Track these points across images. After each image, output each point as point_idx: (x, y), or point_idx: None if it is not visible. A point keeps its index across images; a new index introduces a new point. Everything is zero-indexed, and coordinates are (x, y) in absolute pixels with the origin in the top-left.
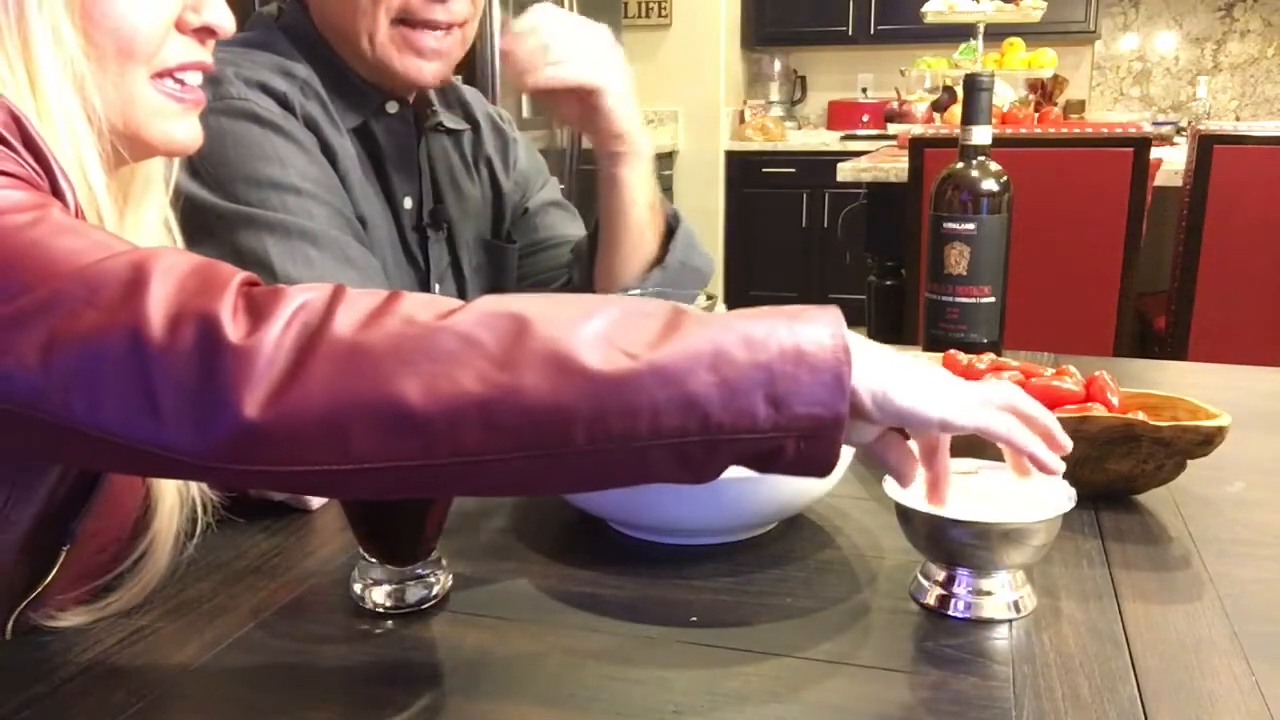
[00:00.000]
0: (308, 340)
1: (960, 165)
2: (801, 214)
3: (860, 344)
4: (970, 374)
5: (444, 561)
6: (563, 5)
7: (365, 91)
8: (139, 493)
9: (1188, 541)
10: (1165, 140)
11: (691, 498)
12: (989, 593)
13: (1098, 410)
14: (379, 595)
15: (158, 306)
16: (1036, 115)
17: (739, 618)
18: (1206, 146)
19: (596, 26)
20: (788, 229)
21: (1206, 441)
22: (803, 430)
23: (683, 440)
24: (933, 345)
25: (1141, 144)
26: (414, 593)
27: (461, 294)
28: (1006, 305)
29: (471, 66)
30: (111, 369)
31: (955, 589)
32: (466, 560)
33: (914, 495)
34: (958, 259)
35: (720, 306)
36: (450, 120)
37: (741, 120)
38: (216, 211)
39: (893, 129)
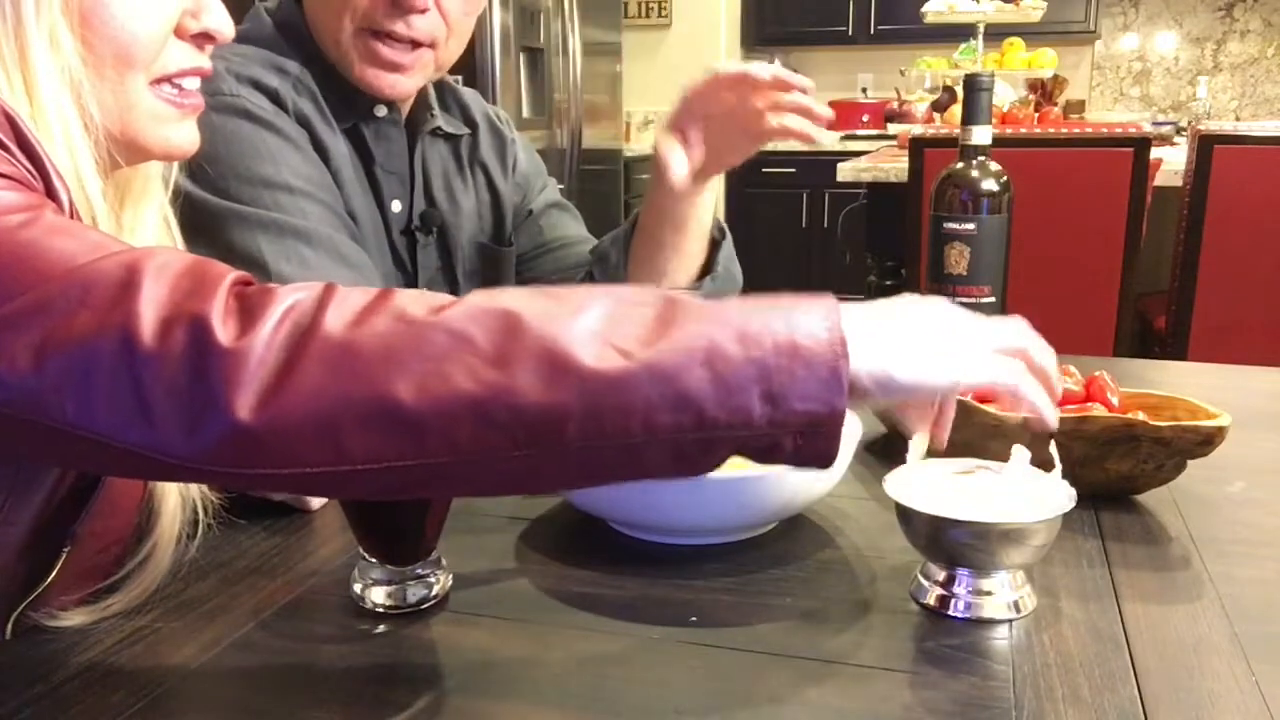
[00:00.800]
0: (298, 341)
1: (960, 165)
2: (801, 214)
3: (858, 325)
4: None
5: (444, 561)
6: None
7: (354, 93)
8: (140, 494)
9: (1188, 541)
10: (1165, 140)
11: (692, 498)
12: (989, 593)
13: (1098, 410)
14: (379, 595)
15: (149, 308)
16: (1036, 115)
17: (739, 618)
18: (1206, 146)
19: None
20: (788, 229)
21: (1206, 441)
22: (799, 426)
23: (677, 437)
24: None
25: (1141, 144)
26: (414, 593)
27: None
28: (1006, 305)
29: (471, 67)
30: (103, 371)
31: (955, 589)
32: (466, 560)
33: (914, 495)
34: (958, 259)
35: None
36: (448, 124)
37: None
38: (209, 209)
39: (893, 129)
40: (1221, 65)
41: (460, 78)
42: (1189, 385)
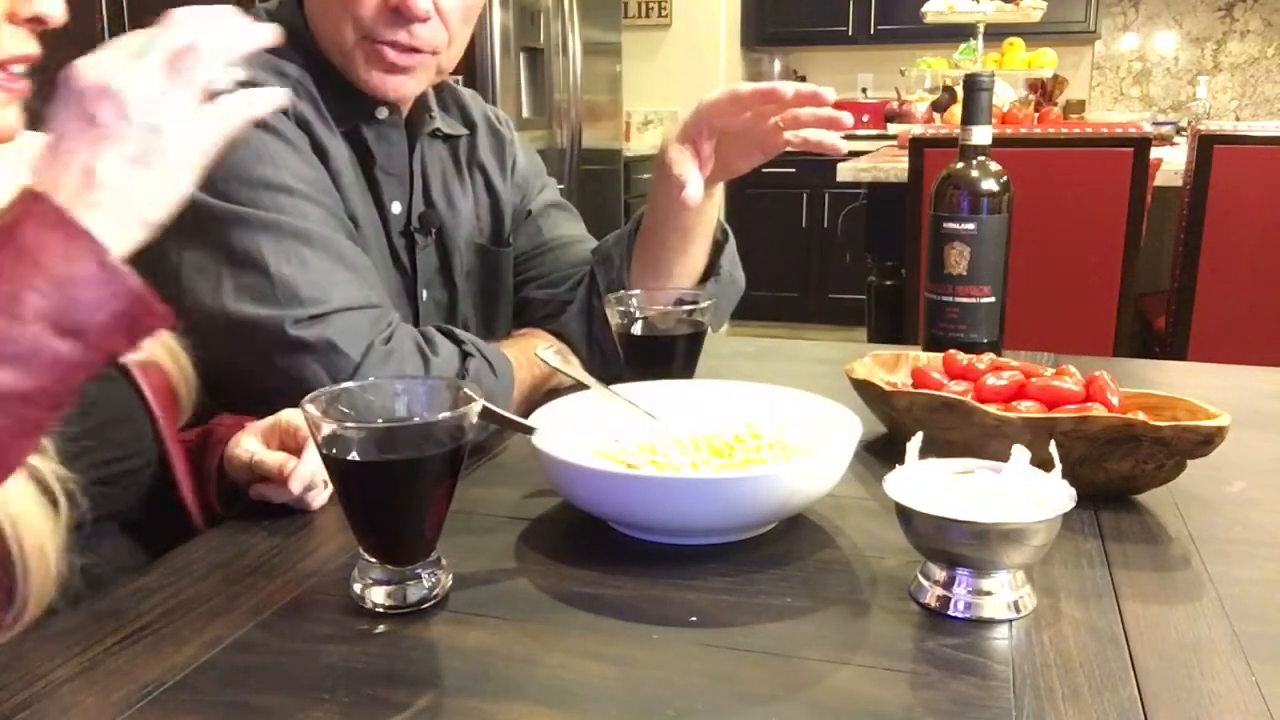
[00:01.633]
0: None
1: (960, 165)
2: (801, 214)
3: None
4: (969, 374)
5: (444, 561)
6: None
7: (355, 95)
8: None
9: (1188, 541)
10: (1165, 140)
11: (692, 498)
12: (989, 593)
13: (1098, 410)
14: (379, 595)
15: None
16: (1036, 115)
17: (739, 618)
18: (1206, 146)
19: None
20: (788, 229)
21: (1206, 441)
22: (119, 329)
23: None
24: (933, 345)
25: (1141, 144)
26: (414, 593)
27: (453, 298)
28: (1006, 305)
29: (471, 67)
30: None
31: (955, 589)
32: (466, 560)
33: (914, 495)
34: (958, 259)
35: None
36: (447, 125)
37: None
38: (209, 210)
39: (893, 129)
40: (1221, 65)
41: (460, 78)
42: (1189, 385)
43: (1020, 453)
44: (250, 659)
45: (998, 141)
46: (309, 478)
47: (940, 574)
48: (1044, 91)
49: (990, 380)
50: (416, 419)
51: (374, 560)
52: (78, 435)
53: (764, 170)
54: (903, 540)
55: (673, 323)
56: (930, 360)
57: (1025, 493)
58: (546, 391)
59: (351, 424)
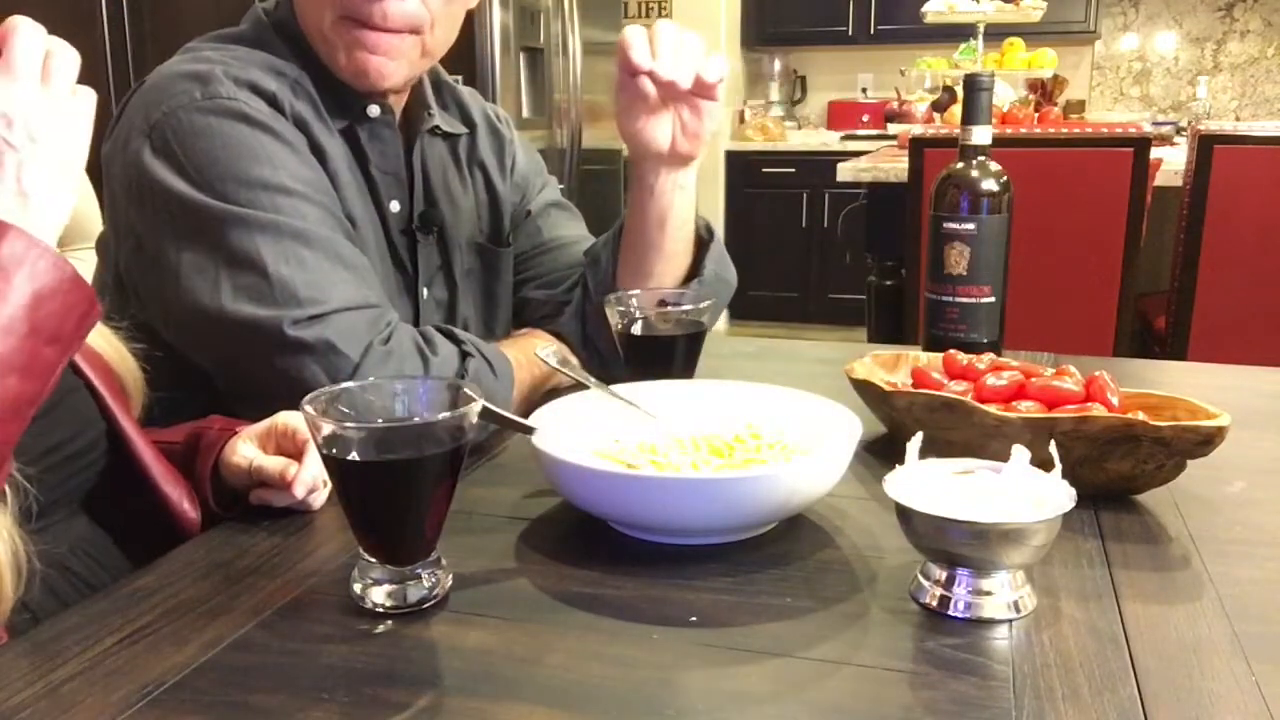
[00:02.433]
0: None
1: (960, 165)
2: (801, 214)
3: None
4: (969, 374)
5: (444, 561)
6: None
7: (349, 94)
8: None
9: (1188, 541)
10: (1165, 140)
11: (692, 498)
12: (989, 593)
13: (1098, 410)
14: (379, 595)
15: None
16: (1036, 115)
17: (739, 618)
18: (1206, 146)
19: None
20: (788, 229)
21: (1206, 441)
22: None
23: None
24: (933, 345)
25: (1141, 144)
26: (414, 593)
27: (453, 297)
28: (1006, 305)
29: (471, 67)
30: None
31: (955, 589)
32: (466, 560)
33: (914, 495)
34: (958, 259)
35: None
36: (446, 123)
37: (741, 120)
38: (208, 211)
39: (893, 129)
40: (1221, 65)
41: (460, 77)
42: (1189, 385)
43: (1020, 453)
44: (250, 659)
45: (998, 141)
46: (311, 481)
47: (940, 574)
48: (1044, 91)
49: (990, 380)
50: (416, 419)
51: (374, 560)
52: None
53: (764, 170)
54: (903, 540)
55: (672, 323)
56: (930, 360)
57: (1025, 493)
58: (546, 391)
59: (351, 424)
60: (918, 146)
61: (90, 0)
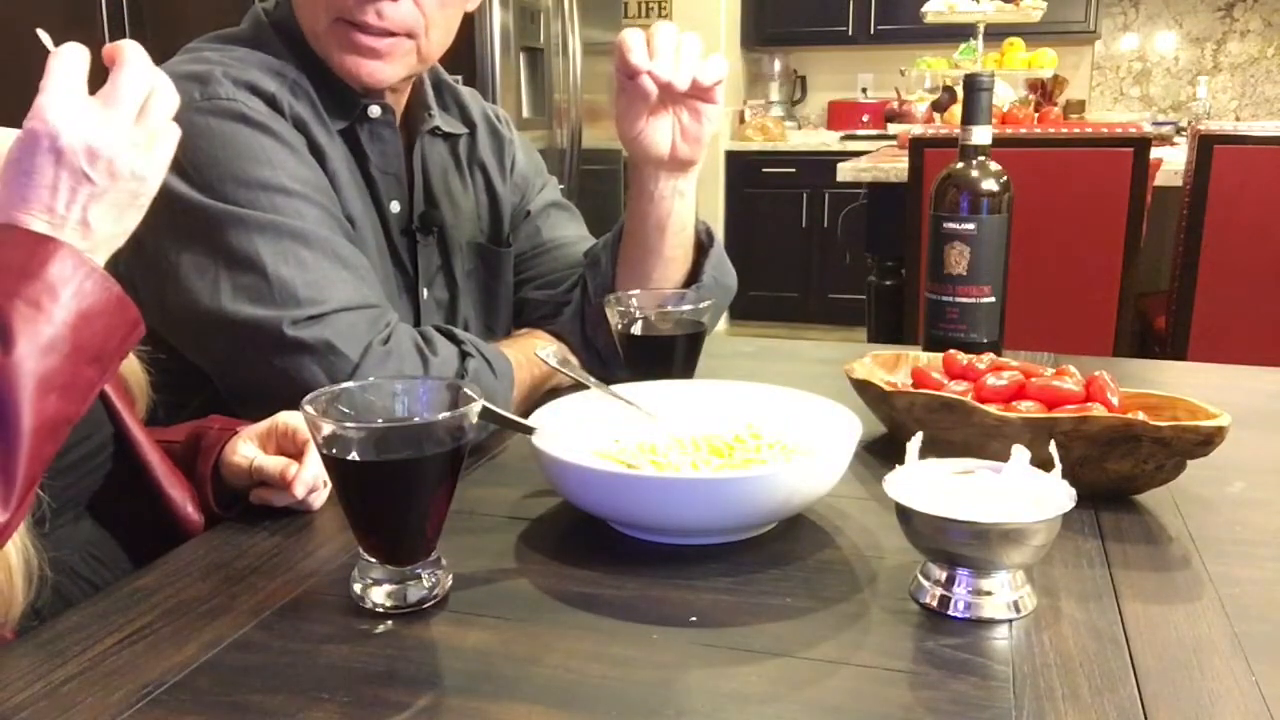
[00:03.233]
0: None
1: (960, 165)
2: (801, 214)
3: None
4: (969, 374)
5: (444, 561)
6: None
7: (348, 94)
8: None
9: (1188, 541)
10: (1165, 140)
11: (692, 498)
12: (989, 593)
13: (1098, 410)
14: (379, 595)
15: None
16: (1036, 115)
17: (739, 618)
18: (1206, 146)
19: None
20: (788, 229)
21: (1206, 441)
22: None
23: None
24: (933, 345)
25: (1141, 144)
26: (414, 593)
27: (454, 298)
28: (1006, 305)
29: (471, 67)
30: None
31: (955, 589)
32: (466, 560)
33: (914, 495)
34: (958, 259)
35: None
36: (446, 124)
37: (741, 120)
38: (207, 212)
39: (893, 129)
40: (1221, 65)
41: (460, 78)
42: (1189, 385)
43: (1020, 453)
44: (250, 659)
45: (998, 141)
46: (312, 481)
47: (940, 574)
48: (1044, 91)
49: (990, 380)
50: (416, 419)
51: (374, 560)
52: None
53: (764, 170)
54: (903, 540)
55: (672, 323)
56: (930, 360)
57: (1025, 493)
58: (546, 391)
59: (351, 424)
60: (918, 146)
61: (90, 1)
